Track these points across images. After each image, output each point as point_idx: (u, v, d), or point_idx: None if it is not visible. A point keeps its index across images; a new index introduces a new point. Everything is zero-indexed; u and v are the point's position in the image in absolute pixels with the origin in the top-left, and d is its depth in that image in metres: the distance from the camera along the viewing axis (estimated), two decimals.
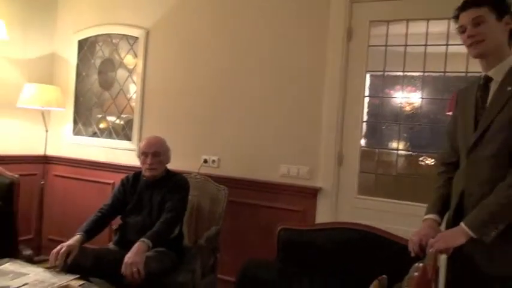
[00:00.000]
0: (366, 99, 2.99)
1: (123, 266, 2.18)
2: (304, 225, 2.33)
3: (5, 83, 3.79)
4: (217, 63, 3.40)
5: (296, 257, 2.14)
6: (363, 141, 3.00)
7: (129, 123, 3.85)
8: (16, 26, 3.80)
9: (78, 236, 2.40)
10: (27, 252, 3.48)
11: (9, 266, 2.24)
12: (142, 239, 2.32)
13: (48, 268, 2.20)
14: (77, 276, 2.13)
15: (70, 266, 2.25)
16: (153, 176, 2.64)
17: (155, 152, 2.63)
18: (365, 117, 2.99)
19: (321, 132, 3.02)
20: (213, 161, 3.38)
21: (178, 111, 3.56)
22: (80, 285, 1.97)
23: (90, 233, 2.47)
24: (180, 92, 3.56)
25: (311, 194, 3.00)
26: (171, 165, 2.78)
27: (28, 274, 2.14)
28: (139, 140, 3.63)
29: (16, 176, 3.18)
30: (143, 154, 2.65)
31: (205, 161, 3.40)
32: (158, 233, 2.40)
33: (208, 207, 3.00)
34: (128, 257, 2.21)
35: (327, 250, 2.09)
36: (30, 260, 2.41)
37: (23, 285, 2.00)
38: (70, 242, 2.34)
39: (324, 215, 2.93)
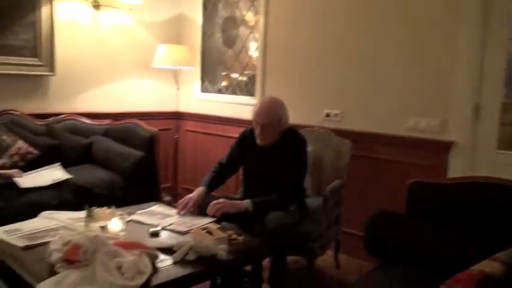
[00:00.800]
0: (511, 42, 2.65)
1: (214, 202, 2.36)
2: (438, 179, 2.21)
3: (141, 45, 4.14)
4: (339, 15, 3.29)
5: (429, 212, 2.05)
6: (504, 91, 2.69)
7: (251, 79, 3.97)
8: None
9: (202, 188, 2.56)
10: (167, 198, 3.89)
11: (157, 208, 2.54)
12: (248, 200, 2.43)
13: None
14: (215, 219, 2.32)
15: (200, 212, 2.44)
16: (264, 144, 2.54)
17: (264, 124, 2.47)
18: (508, 64, 2.66)
19: (455, 81, 2.77)
20: (335, 114, 3.34)
21: (300, 66, 3.55)
22: (217, 228, 2.13)
23: (211, 187, 2.62)
24: (301, 46, 3.53)
25: (442, 148, 2.82)
26: (293, 119, 2.66)
27: (173, 216, 2.40)
28: (262, 95, 3.72)
29: (155, 129, 3.50)
30: (255, 121, 2.53)
31: (328, 115, 3.38)
32: (266, 202, 2.43)
33: (331, 160, 3.00)
34: (225, 201, 2.38)
35: (465, 206, 1.96)
36: (169, 205, 2.69)
37: (170, 224, 2.25)
38: (195, 196, 2.48)
39: (457, 171, 2.73)
